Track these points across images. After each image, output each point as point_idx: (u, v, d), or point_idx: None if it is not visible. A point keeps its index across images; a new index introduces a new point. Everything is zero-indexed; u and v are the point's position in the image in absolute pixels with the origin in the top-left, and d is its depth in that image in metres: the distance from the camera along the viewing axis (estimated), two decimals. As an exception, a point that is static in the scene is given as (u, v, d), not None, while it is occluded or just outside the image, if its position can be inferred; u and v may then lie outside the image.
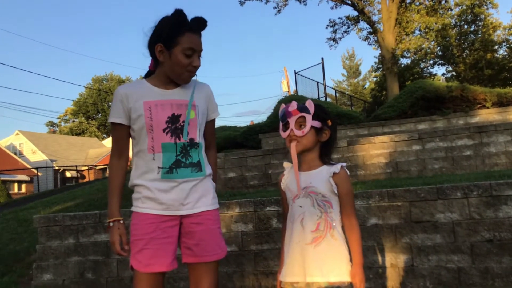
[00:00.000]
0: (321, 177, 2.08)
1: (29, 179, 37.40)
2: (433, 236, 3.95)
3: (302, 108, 2.09)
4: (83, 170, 40.04)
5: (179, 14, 2.06)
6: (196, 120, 2.12)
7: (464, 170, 7.57)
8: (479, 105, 11.07)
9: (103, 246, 4.73)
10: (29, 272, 5.16)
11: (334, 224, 2.06)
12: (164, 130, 2.06)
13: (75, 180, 37.91)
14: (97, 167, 40.27)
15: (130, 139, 2.20)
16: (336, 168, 2.06)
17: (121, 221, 2.11)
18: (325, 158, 2.14)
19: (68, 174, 40.83)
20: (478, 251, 3.85)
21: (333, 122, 2.15)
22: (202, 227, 2.11)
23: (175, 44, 2.04)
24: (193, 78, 2.21)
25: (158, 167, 2.06)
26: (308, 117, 2.07)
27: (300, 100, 2.49)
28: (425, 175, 7.52)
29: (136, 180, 2.12)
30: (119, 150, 2.18)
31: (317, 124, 2.08)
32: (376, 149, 8.07)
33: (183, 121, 2.09)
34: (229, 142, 12.21)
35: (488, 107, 10.98)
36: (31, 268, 5.08)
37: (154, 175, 2.06)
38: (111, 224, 2.10)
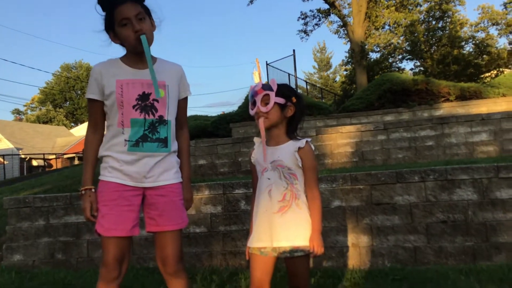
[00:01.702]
0: (288, 151, 2.25)
1: (-6, 167, 36.51)
2: (391, 218, 4.18)
3: (266, 86, 2.28)
4: (50, 159, 39.28)
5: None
6: (165, 99, 2.25)
7: (426, 159, 7.89)
8: (443, 99, 11.46)
9: (74, 227, 4.80)
10: (-2, 254, 5.18)
11: (299, 194, 2.23)
12: (133, 106, 2.19)
13: (42, 168, 37.17)
14: (65, 156, 39.60)
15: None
16: (302, 143, 2.24)
17: (93, 190, 2.24)
18: (291, 134, 2.31)
19: (35, 162, 40.00)
20: (433, 232, 4.10)
21: (297, 99, 2.32)
22: (165, 199, 2.25)
23: (113, 24, 2.20)
24: (166, 59, 2.36)
25: (125, 140, 2.19)
26: (272, 94, 2.25)
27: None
28: (389, 164, 7.80)
29: (105, 152, 2.26)
30: (94, 123, 2.32)
31: (280, 100, 2.25)
32: (343, 139, 8.31)
33: (153, 99, 2.22)
34: (200, 131, 12.29)
35: (451, 101, 11.37)
36: (0, 249, 5.11)
37: (122, 148, 2.20)
38: (83, 192, 2.23)
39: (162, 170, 2.26)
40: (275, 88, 2.26)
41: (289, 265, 2.22)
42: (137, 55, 2.25)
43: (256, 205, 2.31)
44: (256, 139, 2.41)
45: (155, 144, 2.22)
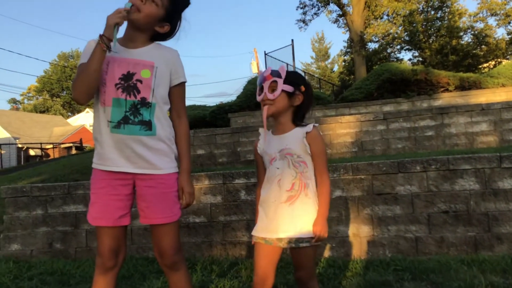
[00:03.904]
0: (296, 138, 2.19)
1: (-9, 156, 36.41)
2: (393, 208, 4.15)
3: (275, 73, 2.21)
4: (47, 149, 39.19)
5: None
6: (150, 80, 2.15)
7: (426, 149, 7.86)
8: (442, 89, 11.44)
9: (72, 217, 4.75)
10: (-4, 243, 5.14)
11: (308, 182, 2.17)
12: (116, 85, 2.11)
13: (39, 158, 37.08)
14: (62, 146, 39.50)
15: None
16: (309, 128, 2.18)
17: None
18: (297, 121, 2.25)
19: (32, 152, 39.92)
20: (435, 222, 4.07)
21: (307, 88, 2.26)
22: (153, 190, 2.16)
23: None
24: (162, 44, 2.28)
25: (108, 121, 2.12)
26: (280, 81, 2.18)
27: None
28: (389, 154, 7.78)
29: (94, 134, 2.21)
30: None
31: (288, 88, 2.19)
32: (343, 129, 8.28)
33: (136, 80, 2.13)
34: (198, 121, 12.23)
35: (451, 91, 11.35)
36: (-2, 239, 5.07)
37: (105, 128, 2.13)
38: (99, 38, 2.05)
39: (150, 157, 2.15)
40: (284, 75, 2.19)
41: (294, 255, 2.18)
42: (133, 32, 2.19)
43: (264, 195, 2.26)
44: (261, 130, 2.35)
45: (138, 127, 2.12)
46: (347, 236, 4.21)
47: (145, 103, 2.14)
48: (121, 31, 2.21)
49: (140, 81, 2.13)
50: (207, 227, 4.53)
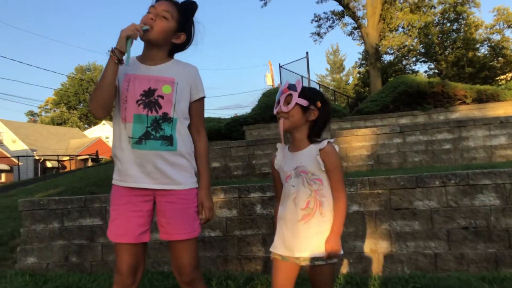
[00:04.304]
0: (310, 156, 2.17)
1: (9, 168, 36.88)
2: (411, 223, 4.08)
3: (292, 86, 2.22)
4: (64, 160, 39.62)
5: None
6: (172, 96, 2.16)
7: (443, 163, 7.76)
8: (459, 101, 11.31)
9: (88, 230, 4.76)
10: (12, 256, 5.17)
11: (323, 200, 2.14)
12: (137, 101, 2.13)
13: (56, 170, 37.50)
14: (79, 157, 39.89)
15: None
16: (322, 144, 2.15)
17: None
18: (313, 138, 2.23)
19: (48, 164, 40.38)
20: (454, 238, 4.00)
21: (323, 104, 2.24)
22: (174, 206, 2.16)
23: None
24: (181, 60, 2.31)
25: (129, 137, 2.13)
26: (295, 95, 2.17)
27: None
28: (406, 167, 7.69)
29: (113, 150, 2.21)
30: None
31: (303, 102, 2.17)
32: (359, 142, 8.22)
33: (158, 95, 2.15)
34: (213, 133, 12.25)
35: (468, 103, 11.21)
36: (14, 251, 5.09)
37: (126, 145, 2.13)
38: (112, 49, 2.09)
39: (170, 172, 2.15)
40: (299, 88, 2.19)
41: (311, 274, 2.15)
42: (150, 51, 2.21)
43: (281, 212, 2.24)
44: (279, 145, 2.34)
45: (159, 142, 2.13)
46: (365, 252, 4.15)
47: (166, 118, 2.15)
48: (138, 50, 2.25)
49: (162, 97, 2.15)
50: (222, 241, 4.50)
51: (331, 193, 2.17)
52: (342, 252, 2.12)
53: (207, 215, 2.23)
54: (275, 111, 2.25)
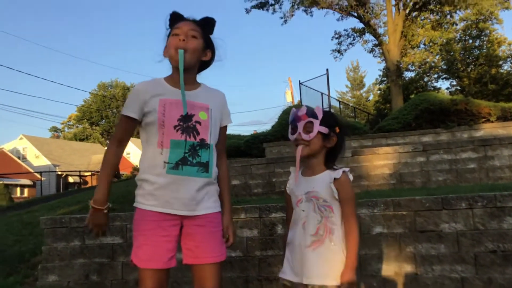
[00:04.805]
0: (323, 182, 2.12)
1: (32, 183, 37.49)
2: (437, 246, 3.98)
3: (311, 113, 2.15)
4: (86, 176, 40.10)
5: (170, 14, 2.25)
6: (208, 122, 2.17)
7: (468, 182, 7.58)
8: (483, 119, 11.10)
9: (109, 248, 4.76)
10: (34, 273, 5.19)
11: (333, 228, 2.09)
12: (175, 127, 2.10)
13: (78, 185, 37.96)
14: (100, 173, 40.29)
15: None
16: (338, 173, 2.10)
17: (104, 211, 2.17)
18: (330, 163, 2.19)
19: (70, 179, 40.92)
20: (482, 262, 3.87)
21: (341, 129, 2.20)
22: (203, 229, 2.14)
23: (168, 36, 2.22)
24: (208, 85, 2.31)
25: (165, 162, 2.09)
26: (316, 122, 2.12)
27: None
28: (429, 187, 7.54)
29: (142, 174, 2.16)
30: (121, 139, 2.24)
31: (324, 130, 2.13)
32: (380, 160, 8.10)
33: (196, 121, 2.14)
34: (233, 150, 12.24)
35: (492, 121, 11.00)
36: (36, 269, 5.11)
37: (160, 170, 2.09)
38: (91, 208, 2.17)
39: (202, 197, 2.14)
40: (320, 116, 2.14)
41: None
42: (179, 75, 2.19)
43: (290, 237, 2.21)
44: (292, 169, 2.30)
45: (195, 168, 2.11)
46: (389, 275, 4.05)
47: (204, 144, 2.15)
48: (165, 71, 2.25)
49: (199, 123, 2.15)
50: (243, 261, 4.45)
51: (341, 223, 2.11)
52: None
53: (232, 239, 2.25)
54: (292, 138, 2.21)
